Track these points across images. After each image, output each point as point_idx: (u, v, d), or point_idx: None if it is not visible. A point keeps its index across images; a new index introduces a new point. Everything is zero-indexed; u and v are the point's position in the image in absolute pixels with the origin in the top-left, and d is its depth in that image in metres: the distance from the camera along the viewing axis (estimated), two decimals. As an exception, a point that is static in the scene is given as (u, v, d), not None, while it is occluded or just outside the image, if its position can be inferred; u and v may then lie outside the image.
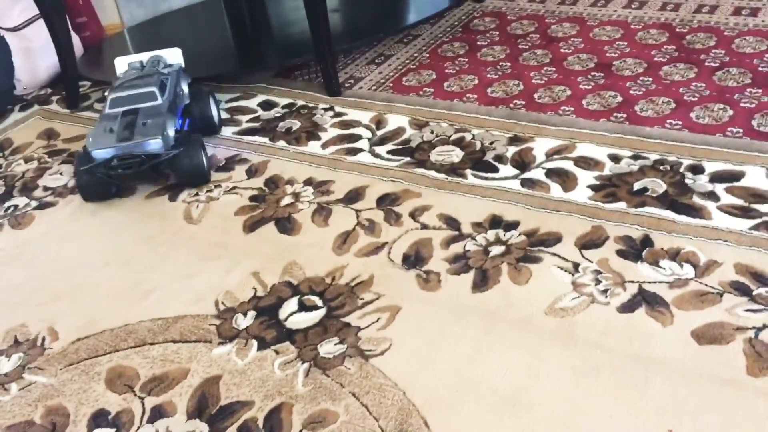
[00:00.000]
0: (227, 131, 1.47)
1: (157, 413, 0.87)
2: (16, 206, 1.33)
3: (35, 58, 1.77)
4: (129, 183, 1.29)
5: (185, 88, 1.42)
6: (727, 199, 1.09)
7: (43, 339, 1.01)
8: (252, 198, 1.25)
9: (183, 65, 1.47)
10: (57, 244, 1.20)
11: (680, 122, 1.29)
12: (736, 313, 0.89)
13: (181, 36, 1.89)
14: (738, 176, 1.13)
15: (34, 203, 1.33)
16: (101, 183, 1.25)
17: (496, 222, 1.11)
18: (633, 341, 0.88)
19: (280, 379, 0.89)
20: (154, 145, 1.22)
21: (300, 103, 1.54)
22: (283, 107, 1.53)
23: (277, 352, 0.93)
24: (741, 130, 1.24)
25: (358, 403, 0.85)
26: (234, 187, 1.29)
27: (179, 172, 1.28)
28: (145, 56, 1.45)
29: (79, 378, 0.94)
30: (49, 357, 0.98)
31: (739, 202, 1.08)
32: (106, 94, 1.35)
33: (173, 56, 1.47)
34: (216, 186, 1.29)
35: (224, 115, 1.53)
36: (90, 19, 1.94)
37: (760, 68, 1.42)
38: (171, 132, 1.26)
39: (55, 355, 0.98)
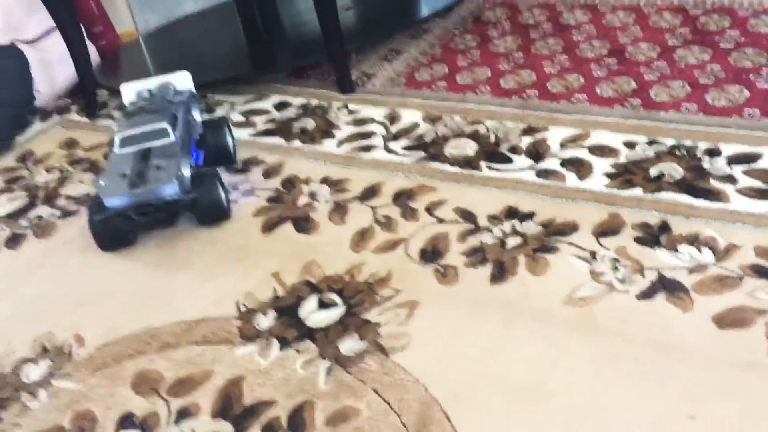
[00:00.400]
0: (243, 134, 1.48)
1: (183, 415, 0.88)
2: (39, 216, 1.35)
3: (53, 69, 1.80)
4: (146, 230, 1.22)
5: (198, 117, 1.37)
6: (745, 181, 1.08)
7: (70, 345, 1.03)
8: (269, 199, 1.26)
9: (194, 91, 1.39)
10: (80, 252, 1.22)
11: (696, 105, 1.27)
12: (757, 297, 0.89)
13: (195, 40, 1.91)
14: (756, 158, 1.12)
15: (57, 212, 1.35)
16: (117, 231, 1.19)
17: (511, 213, 1.11)
18: (653, 328, 0.88)
19: (303, 378, 0.90)
20: (170, 190, 1.15)
21: (314, 102, 1.55)
22: (297, 107, 1.54)
23: (298, 351, 0.94)
24: (758, 111, 1.22)
25: (380, 400, 0.85)
26: (252, 189, 1.30)
27: (198, 214, 1.21)
28: (152, 82, 1.39)
29: (106, 383, 0.96)
30: (76, 363, 1.00)
31: (758, 184, 1.07)
32: (115, 129, 1.27)
33: (182, 81, 1.39)
34: (234, 188, 1.31)
35: (240, 118, 1.54)
36: (106, 28, 1.97)
37: (776, 47, 1.40)
38: (186, 172, 1.19)
39: (82, 361, 1.00)
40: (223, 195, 1.22)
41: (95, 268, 1.18)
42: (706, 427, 0.76)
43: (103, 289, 1.13)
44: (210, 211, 1.21)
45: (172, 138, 1.23)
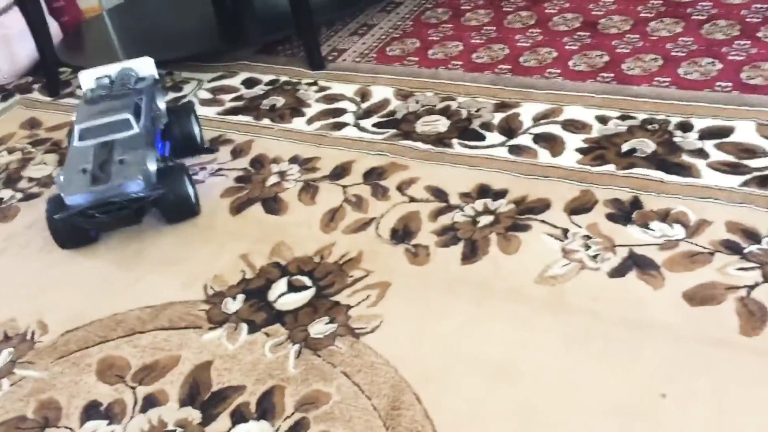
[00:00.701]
0: (211, 112, 1.45)
1: (149, 402, 0.87)
2: (1, 199, 1.31)
3: (13, 46, 1.74)
4: (109, 229, 1.15)
5: (162, 105, 1.29)
6: (716, 155, 1.07)
7: (33, 333, 1.00)
8: (238, 179, 1.24)
9: (157, 77, 1.31)
10: (43, 236, 1.19)
11: (668, 79, 1.26)
12: (728, 273, 0.88)
13: (161, 16, 1.86)
14: (727, 132, 1.11)
15: (19, 195, 1.32)
16: (78, 229, 1.13)
17: (484, 191, 1.09)
18: (624, 306, 0.87)
19: (272, 362, 0.89)
20: (135, 186, 1.08)
21: (283, 79, 1.51)
22: (266, 84, 1.51)
23: (267, 335, 0.93)
24: (730, 84, 1.22)
25: (350, 383, 0.84)
26: (219, 169, 1.27)
27: (164, 210, 1.14)
28: (113, 68, 1.30)
29: (70, 370, 0.93)
30: (39, 351, 0.97)
31: (729, 158, 1.06)
32: (73, 119, 1.20)
33: (145, 67, 1.31)
34: (201, 168, 1.28)
35: (207, 96, 1.51)
36: (68, 3, 1.91)
37: (748, 19, 1.39)
38: (152, 167, 1.12)
39: (46, 349, 0.97)
40: (191, 190, 1.16)
41: (58, 252, 1.15)
42: (676, 404, 0.75)
43: (66, 275, 1.10)
44: (178, 208, 1.15)
45: (136, 129, 1.15)
